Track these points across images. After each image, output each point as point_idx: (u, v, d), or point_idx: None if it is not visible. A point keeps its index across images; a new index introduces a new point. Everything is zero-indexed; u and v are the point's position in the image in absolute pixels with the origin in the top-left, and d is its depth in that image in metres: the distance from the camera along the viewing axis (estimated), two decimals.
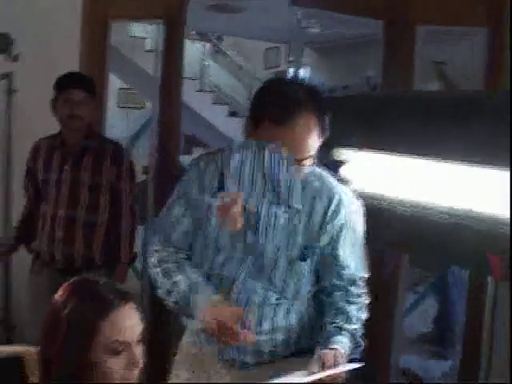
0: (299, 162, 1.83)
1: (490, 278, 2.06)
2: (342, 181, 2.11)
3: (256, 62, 7.82)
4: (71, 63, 3.46)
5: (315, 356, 1.95)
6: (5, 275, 3.27)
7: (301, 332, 2.02)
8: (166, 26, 3.40)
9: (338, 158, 2.24)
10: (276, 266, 1.94)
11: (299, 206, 1.95)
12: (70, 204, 2.87)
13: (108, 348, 1.42)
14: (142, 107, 5.79)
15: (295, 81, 1.92)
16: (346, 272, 1.97)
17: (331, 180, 1.99)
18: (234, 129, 7.28)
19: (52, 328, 1.45)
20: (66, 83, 2.87)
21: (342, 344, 1.93)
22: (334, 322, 1.97)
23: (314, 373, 1.86)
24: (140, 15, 3.64)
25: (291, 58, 7.32)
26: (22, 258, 3.07)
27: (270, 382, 1.81)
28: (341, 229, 1.94)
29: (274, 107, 1.81)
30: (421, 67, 3.38)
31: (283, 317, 1.99)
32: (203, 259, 2.00)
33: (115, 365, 1.42)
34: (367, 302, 2.03)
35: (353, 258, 1.97)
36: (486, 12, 2.92)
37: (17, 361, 1.83)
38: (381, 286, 3.37)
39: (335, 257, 1.96)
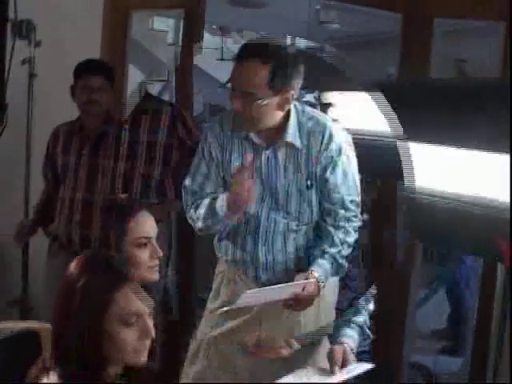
0: (242, 92, 2.07)
1: (500, 266, 2.08)
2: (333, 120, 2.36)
3: None
4: (92, 51, 3.51)
5: (325, 349, 2.02)
6: (23, 258, 3.34)
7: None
8: (185, 18, 3.46)
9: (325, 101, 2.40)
10: (289, 198, 2.17)
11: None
12: (87, 188, 2.93)
13: (122, 319, 1.46)
14: None
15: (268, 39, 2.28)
16: (336, 195, 2.17)
17: (322, 118, 2.21)
18: None
19: (66, 300, 1.49)
20: (84, 70, 2.94)
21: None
22: (322, 249, 2.17)
23: (322, 369, 1.93)
24: (160, 5, 3.70)
25: None
26: (39, 242, 3.15)
27: (282, 381, 1.88)
28: (332, 158, 2.15)
29: (238, 52, 2.12)
30: (439, 63, 3.40)
31: (303, 239, 2.22)
32: None
33: (128, 336, 1.46)
34: (357, 224, 2.22)
35: (344, 183, 2.18)
36: (505, 6, 2.93)
37: (32, 335, 1.88)
38: (395, 279, 3.43)
39: (327, 182, 2.17)
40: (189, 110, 3.43)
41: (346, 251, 2.20)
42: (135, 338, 1.48)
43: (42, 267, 3.04)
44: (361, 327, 2.17)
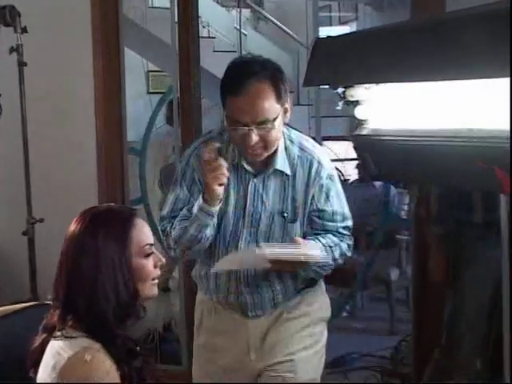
0: (259, 124, 2.04)
1: (501, 196, 2.19)
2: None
3: (301, 26, 7.68)
4: (83, 35, 3.66)
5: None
6: (29, 257, 3.46)
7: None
8: None
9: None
10: (271, 231, 2.21)
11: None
12: None
13: (141, 252, 1.75)
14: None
15: (248, 57, 2.18)
16: (330, 224, 2.25)
17: (309, 145, 2.24)
18: None
19: (82, 254, 1.69)
20: None
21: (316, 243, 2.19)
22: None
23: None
24: None
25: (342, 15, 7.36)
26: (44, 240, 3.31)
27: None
28: (323, 186, 2.21)
29: (230, 82, 2.07)
30: None
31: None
32: None
33: (149, 266, 1.77)
34: (351, 242, 2.30)
35: (339, 211, 2.26)
36: None
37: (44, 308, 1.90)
38: None
39: (323, 212, 2.23)
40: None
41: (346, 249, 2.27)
42: (152, 266, 1.78)
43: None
44: (328, 248, 2.22)
